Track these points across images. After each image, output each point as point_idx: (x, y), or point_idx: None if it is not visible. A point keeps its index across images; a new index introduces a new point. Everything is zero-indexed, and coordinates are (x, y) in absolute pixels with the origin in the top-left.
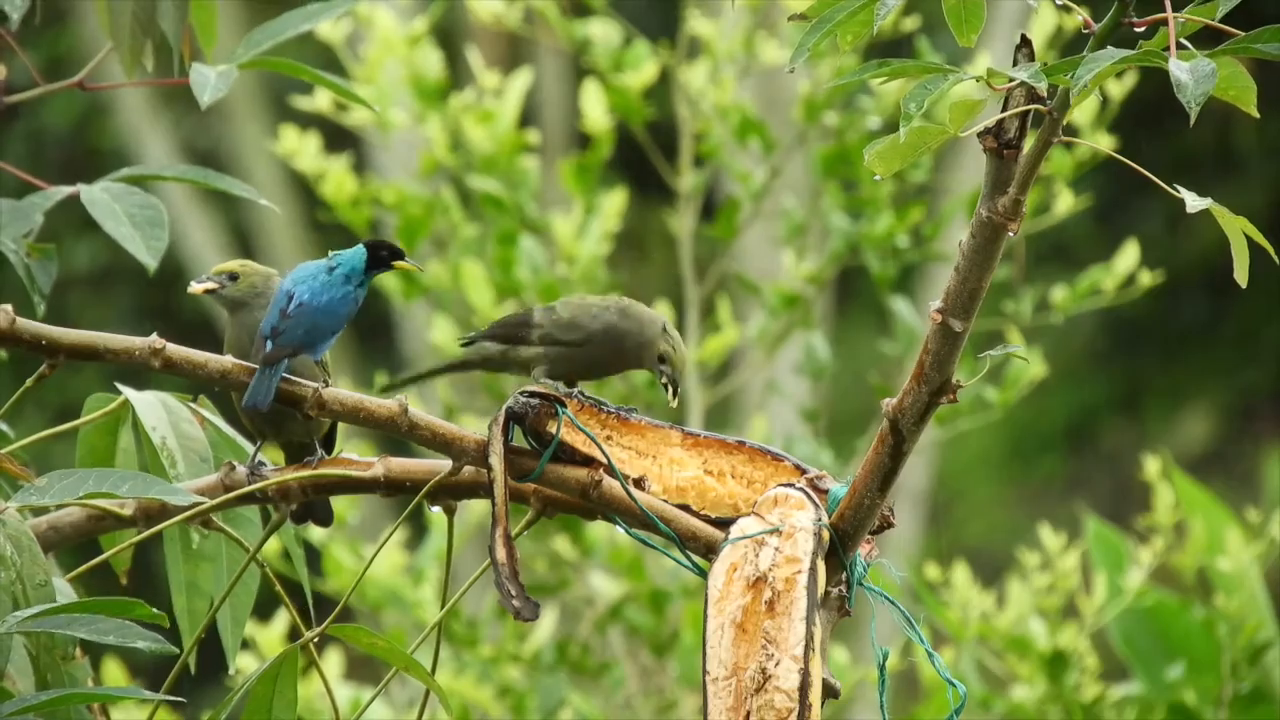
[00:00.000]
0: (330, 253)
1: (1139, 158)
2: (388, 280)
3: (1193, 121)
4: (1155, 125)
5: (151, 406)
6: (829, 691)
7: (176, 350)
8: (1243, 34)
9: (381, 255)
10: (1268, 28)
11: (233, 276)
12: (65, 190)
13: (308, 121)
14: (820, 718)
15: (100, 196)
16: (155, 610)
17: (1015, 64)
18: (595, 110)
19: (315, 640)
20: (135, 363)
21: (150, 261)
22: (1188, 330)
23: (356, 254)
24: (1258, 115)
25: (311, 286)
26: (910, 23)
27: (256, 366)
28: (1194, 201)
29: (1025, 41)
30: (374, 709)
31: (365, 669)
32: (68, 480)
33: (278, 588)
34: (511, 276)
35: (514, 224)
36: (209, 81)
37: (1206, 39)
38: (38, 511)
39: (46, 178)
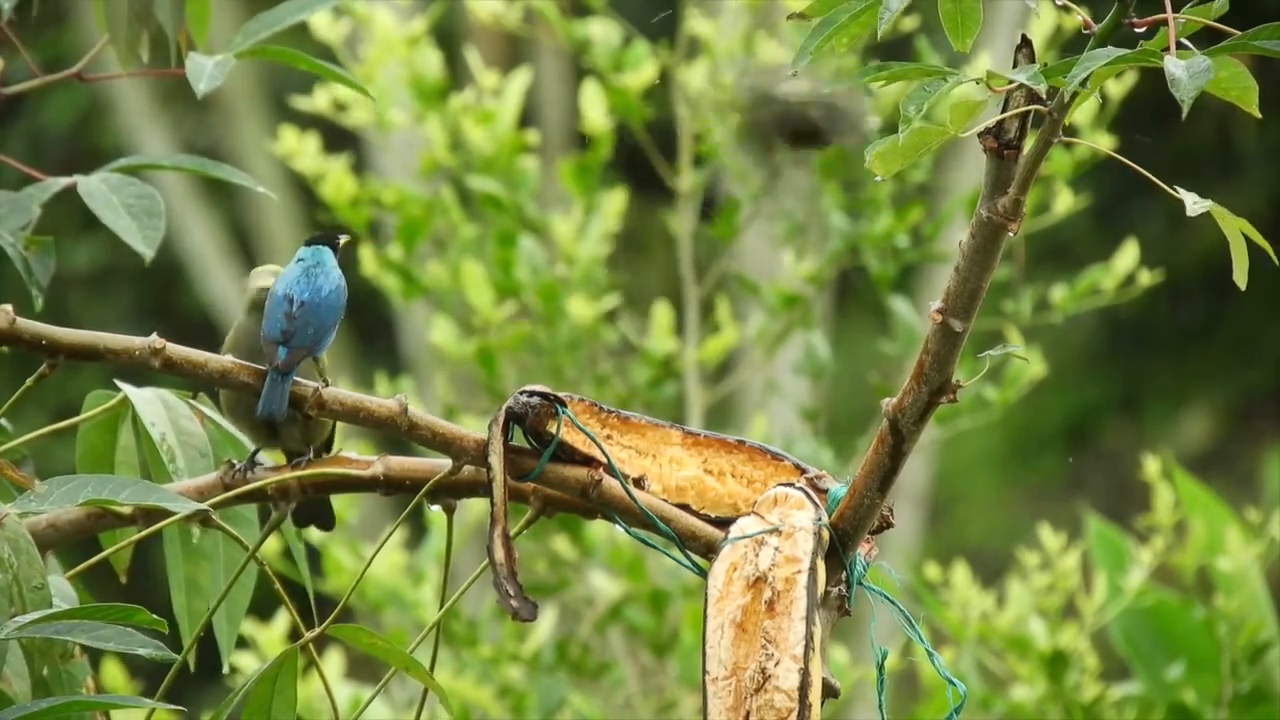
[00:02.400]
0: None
1: (1139, 158)
2: (388, 280)
3: (1185, 115)
4: (1155, 125)
5: (151, 403)
6: (829, 691)
7: (176, 350)
8: (1241, 32)
9: (319, 240)
10: (1267, 25)
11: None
12: (63, 181)
13: (307, 122)
14: (820, 717)
15: (98, 187)
16: (156, 617)
17: (1015, 65)
18: (595, 110)
19: (315, 640)
20: (135, 362)
21: (147, 251)
22: (1188, 330)
23: (305, 250)
24: (1259, 116)
25: (308, 285)
26: (909, 23)
27: (256, 366)
28: (1194, 203)
29: (1025, 42)
30: (374, 709)
31: (366, 669)
32: (67, 486)
33: (277, 586)
34: (511, 276)
35: (514, 224)
36: (205, 70)
37: (1207, 40)
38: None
39: (46, 175)
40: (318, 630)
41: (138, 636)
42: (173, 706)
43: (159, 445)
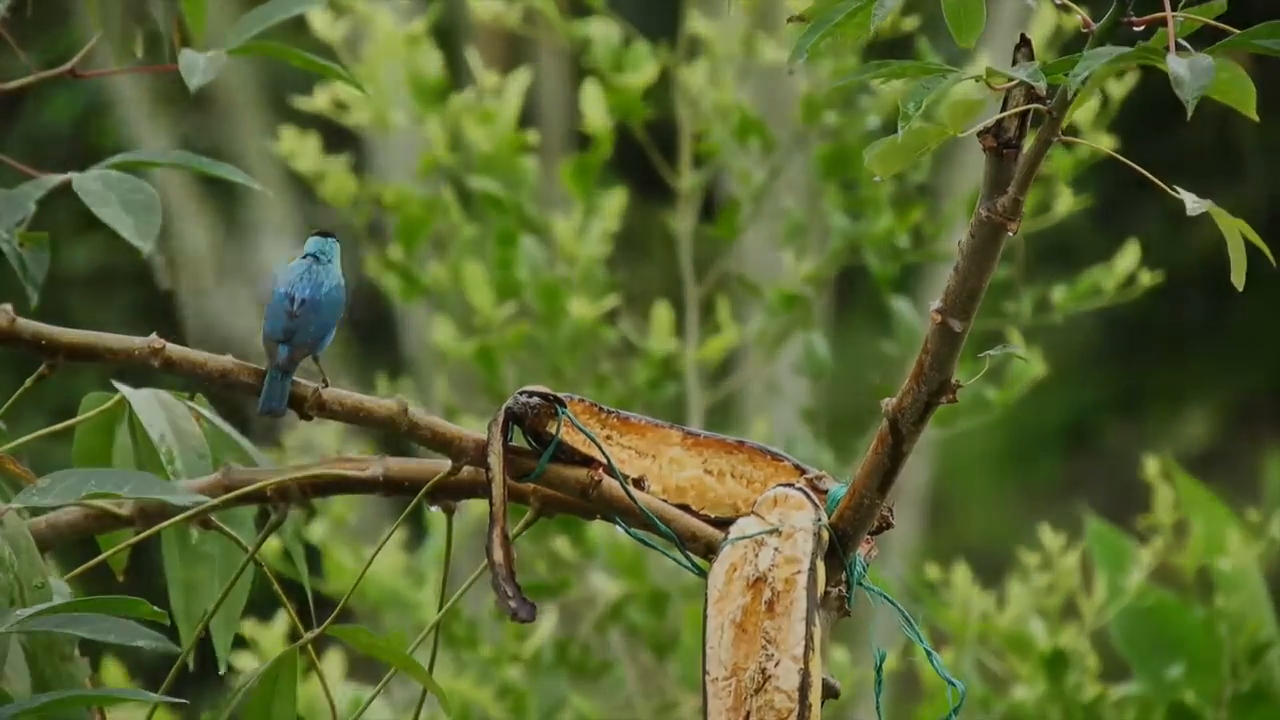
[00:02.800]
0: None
1: (1139, 158)
2: (388, 280)
3: (1190, 115)
4: (1155, 125)
5: (148, 404)
6: (829, 691)
7: (176, 350)
8: (1240, 31)
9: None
10: (1266, 23)
11: None
12: (58, 178)
13: (307, 122)
14: (820, 718)
15: (93, 183)
16: (157, 609)
17: (1014, 64)
18: (595, 110)
19: (316, 641)
20: (135, 362)
21: (143, 244)
22: (1188, 330)
23: (313, 241)
24: (1257, 119)
25: (310, 282)
26: (910, 23)
27: (256, 366)
28: (1194, 203)
29: (1024, 41)
30: (375, 709)
31: (367, 670)
32: (69, 480)
33: (276, 586)
34: (511, 276)
35: (514, 224)
36: (198, 66)
37: (1206, 39)
38: (35, 510)
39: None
40: (317, 631)
41: (137, 628)
42: (173, 699)
43: (157, 446)
